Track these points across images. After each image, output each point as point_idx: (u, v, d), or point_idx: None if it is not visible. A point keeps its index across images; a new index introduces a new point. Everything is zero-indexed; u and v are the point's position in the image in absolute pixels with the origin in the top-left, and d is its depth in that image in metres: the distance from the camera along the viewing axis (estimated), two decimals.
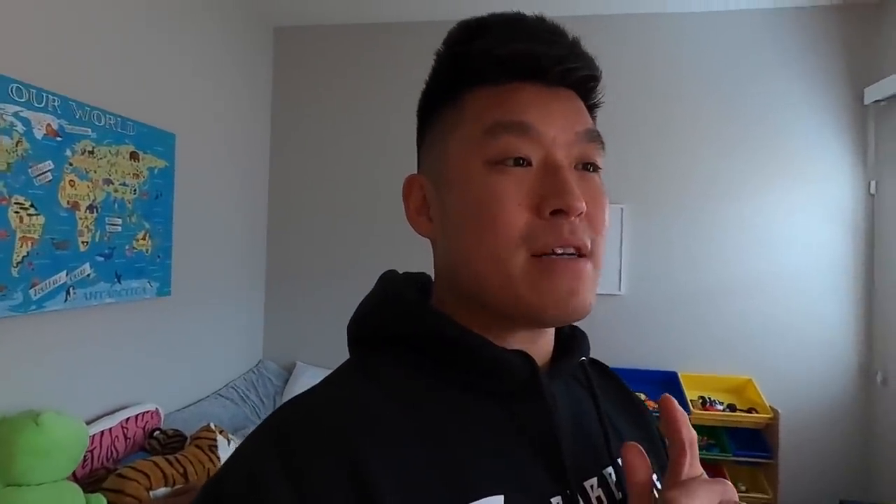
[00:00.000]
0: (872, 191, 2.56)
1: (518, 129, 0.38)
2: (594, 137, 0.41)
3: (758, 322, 2.63)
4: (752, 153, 2.65)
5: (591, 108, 0.45)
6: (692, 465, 0.36)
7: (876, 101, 2.48)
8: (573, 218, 0.37)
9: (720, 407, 2.47)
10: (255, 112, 2.91)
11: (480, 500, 0.33)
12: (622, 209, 2.69)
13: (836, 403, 2.56)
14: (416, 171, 0.47)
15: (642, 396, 2.54)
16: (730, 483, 0.36)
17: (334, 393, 0.38)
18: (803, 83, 2.62)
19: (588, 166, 0.41)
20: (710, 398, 2.51)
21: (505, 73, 0.40)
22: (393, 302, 0.43)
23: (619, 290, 2.70)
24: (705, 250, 2.68)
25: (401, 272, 0.48)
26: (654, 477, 0.43)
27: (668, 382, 2.60)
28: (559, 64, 0.40)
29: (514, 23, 0.40)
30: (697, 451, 0.37)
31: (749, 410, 2.45)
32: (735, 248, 2.66)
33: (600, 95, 0.45)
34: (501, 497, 0.34)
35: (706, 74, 2.69)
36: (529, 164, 0.38)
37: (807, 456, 2.51)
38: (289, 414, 0.36)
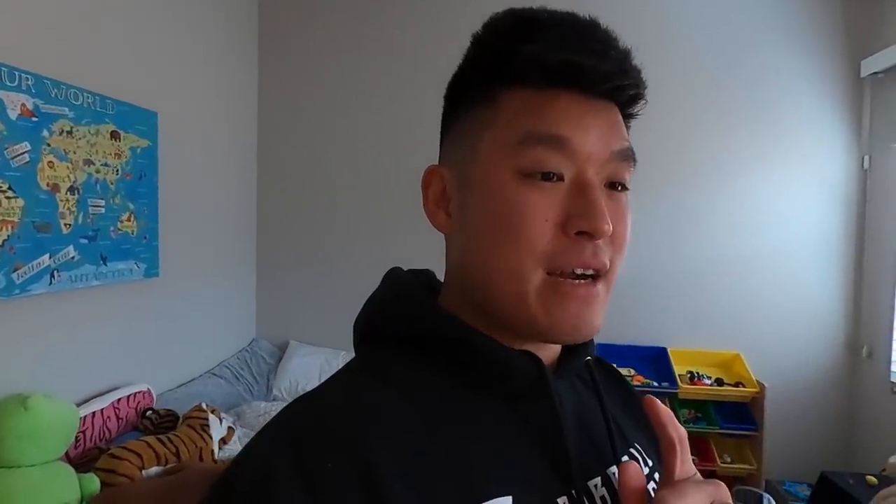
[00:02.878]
0: (866, 166, 2.54)
1: (552, 142, 0.37)
2: (628, 156, 0.40)
3: (747, 297, 2.64)
4: (741, 127, 2.62)
5: (628, 117, 0.44)
6: (684, 464, 0.36)
7: (873, 74, 2.44)
8: (598, 241, 0.37)
9: (708, 381, 2.50)
10: (241, 87, 2.84)
11: (490, 502, 0.34)
12: None
13: (822, 377, 2.60)
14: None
15: (631, 372, 2.57)
16: (722, 484, 0.36)
17: (343, 393, 0.38)
18: (797, 53, 2.57)
19: (617, 185, 0.40)
20: (698, 373, 2.55)
21: (548, 79, 0.38)
22: (401, 302, 0.43)
23: None
24: (694, 226, 2.68)
25: (405, 269, 0.47)
26: (652, 484, 0.44)
27: (657, 358, 2.64)
28: (607, 80, 0.38)
29: (566, 27, 0.38)
30: (689, 450, 0.37)
31: (736, 384, 2.49)
32: (724, 223, 2.66)
33: (641, 109, 0.44)
34: (510, 498, 0.34)
35: (694, 43, 2.64)
36: (560, 178, 0.37)
37: (791, 428, 2.56)
38: (299, 414, 0.36)
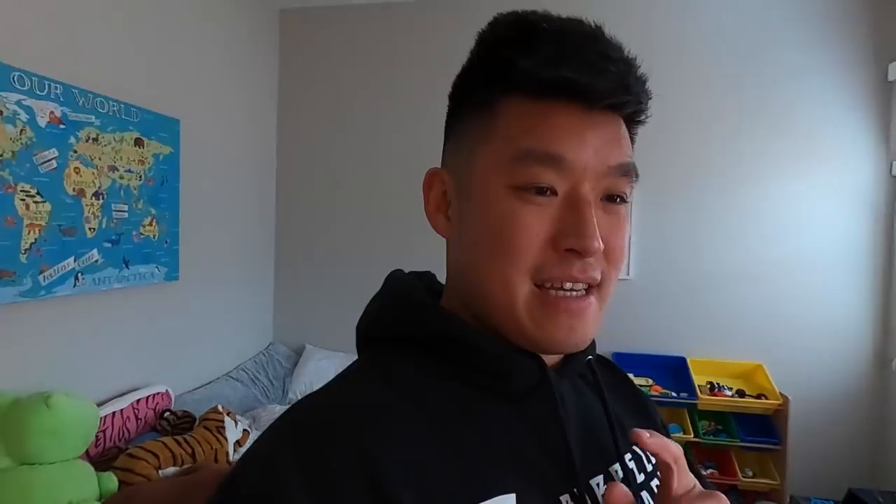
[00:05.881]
0: (895, 172, 2.46)
1: (547, 159, 0.37)
2: (626, 171, 0.39)
3: (769, 307, 2.57)
4: (765, 131, 2.56)
5: (636, 124, 0.43)
6: (681, 479, 0.36)
7: None
8: (587, 258, 0.37)
9: (728, 392, 2.44)
10: (261, 96, 2.90)
11: (493, 499, 0.34)
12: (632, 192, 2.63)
13: (849, 390, 2.51)
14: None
15: (649, 382, 2.52)
16: (723, 496, 0.36)
17: (347, 394, 0.38)
18: (822, 56, 2.50)
19: (615, 198, 0.40)
20: (718, 383, 2.48)
21: (544, 92, 0.38)
22: (404, 303, 0.43)
23: (628, 274, 2.67)
24: (716, 233, 2.63)
25: (406, 271, 0.48)
26: (655, 482, 0.45)
27: (676, 368, 2.58)
28: (605, 97, 0.38)
29: (566, 40, 0.37)
30: (685, 464, 0.37)
31: (758, 396, 2.42)
32: (746, 230, 2.59)
33: (647, 117, 0.43)
34: (513, 496, 0.35)
35: (716, 45, 2.59)
36: (554, 193, 0.38)
37: (816, 443, 2.48)
38: (304, 416, 0.36)
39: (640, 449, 0.46)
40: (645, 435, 0.36)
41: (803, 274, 2.54)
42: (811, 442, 2.45)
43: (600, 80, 0.37)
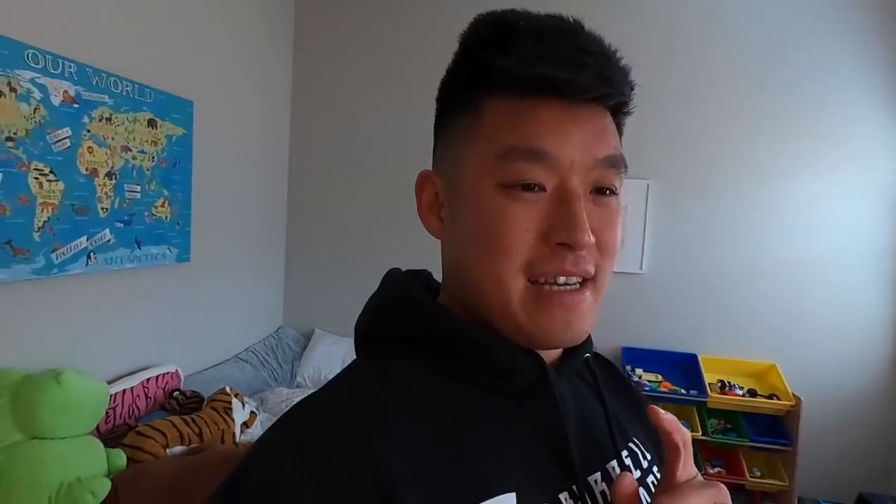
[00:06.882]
0: None
1: (532, 155, 0.37)
2: (614, 163, 0.40)
3: (785, 306, 2.52)
4: (786, 127, 2.49)
5: (624, 114, 0.43)
6: (685, 466, 0.37)
7: None
8: (579, 252, 0.38)
9: (739, 392, 2.40)
10: (275, 79, 2.88)
11: (494, 499, 0.34)
12: (648, 185, 2.58)
13: (864, 393, 2.46)
14: (430, 162, 0.46)
15: (659, 378, 2.49)
16: (723, 486, 0.37)
17: (350, 393, 0.38)
18: (846, 53, 2.41)
19: (605, 190, 0.40)
20: (729, 382, 2.45)
21: (525, 90, 0.38)
22: (402, 301, 0.44)
23: (641, 268, 2.63)
24: (733, 230, 2.57)
25: (404, 269, 0.48)
26: (651, 478, 0.45)
27: (686, 365, 2.55)
28: (585, 91, 0.38)
29: (543, 37, 0.38)
30: (691, 451, 0.38)
31: (770, 396, 2.38)
32: (766, 228, 2.53)
33: (632, 107, 0.43)
34: (513, 494, 0.35)
35: (738, 38, 2.51)
36: (542, 189, 0.38)
37: (829, 445, 2.44)
38: (307, 414, 0.36)
39: (637, 446, 0.47)
40: (661, 412, 0.37)
41: (821, 273, 2.48)
42: (823, 443, 2.41)
43: (579, 74, 0.37)
